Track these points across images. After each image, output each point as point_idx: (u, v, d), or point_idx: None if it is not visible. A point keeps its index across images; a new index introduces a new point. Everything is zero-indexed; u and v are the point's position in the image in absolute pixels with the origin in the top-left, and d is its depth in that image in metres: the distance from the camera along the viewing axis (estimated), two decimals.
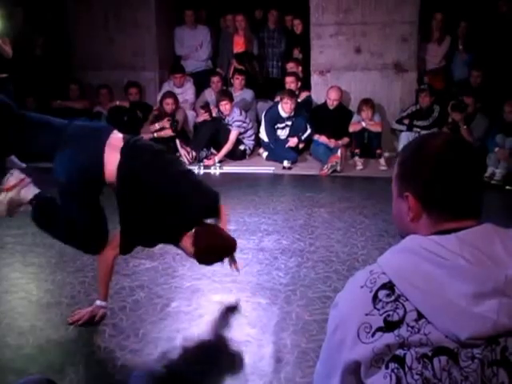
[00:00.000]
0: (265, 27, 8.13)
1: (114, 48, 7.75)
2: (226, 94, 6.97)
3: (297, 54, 7.80)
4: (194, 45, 8.01)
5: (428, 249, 1.04)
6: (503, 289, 0.98)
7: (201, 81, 7.87)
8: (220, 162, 6.68)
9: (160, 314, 3.02)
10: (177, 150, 6.76)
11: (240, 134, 6.93)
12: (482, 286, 0.98)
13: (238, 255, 3.76)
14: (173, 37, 8.07)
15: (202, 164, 6.53)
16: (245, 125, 6.94)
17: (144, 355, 2.64)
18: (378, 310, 1.04)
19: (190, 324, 2.93)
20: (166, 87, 7.63)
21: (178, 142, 6.79)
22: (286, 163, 6.54)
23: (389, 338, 1.01)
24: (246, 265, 3.62)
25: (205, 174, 6.37)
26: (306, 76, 7.44)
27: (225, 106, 6.81)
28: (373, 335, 1.03)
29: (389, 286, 1.05)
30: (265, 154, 6.96)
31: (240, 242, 4.00)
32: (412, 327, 1.00)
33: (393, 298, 1.04)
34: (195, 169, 6.38)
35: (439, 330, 0.99)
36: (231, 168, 6.58)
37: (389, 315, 1.03)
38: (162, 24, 7.88)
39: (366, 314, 1.05)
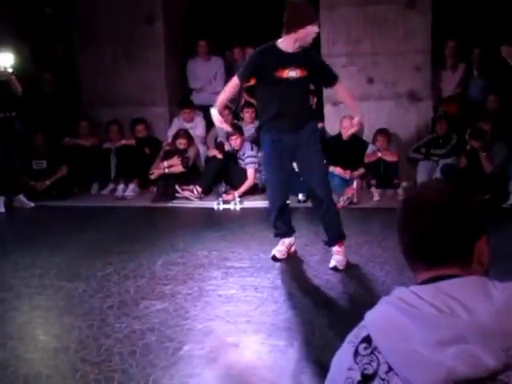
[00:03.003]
0: None
1: (123, 84, 7.83)
2: (236, 128, 6.97)
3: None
4: (208, 77, 8.05)
5: (404, 299, 1.06)
6: (465, 336, 0.96)
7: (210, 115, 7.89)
8: (240, 197, 6.63)
9: (171, 358, 2.93)
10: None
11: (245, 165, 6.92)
12: (444, 333, 0.98)
13: (252, 293, 3.71)
14: (183, 71, 8.14)
15: (221, 199, 6.48)
16: (256, 159, 6.92)
17: None
18: (357, 363, 1.08)
19: (203, 369, 2.83)
20: (176, 122, 7.67)
21: (177, 186, 6.76)
22: (300, 196, 6.47)
23: None
24: (260, 304, 3.53)
25: (224, 209, 6.31)
26: (319, 107, 7.44)
27: (235, 140, 6.81)
28: None
29: (367, 339, 1.08)
30: None
31: (254, 280, 3.96)
32: (383, 379, 1.04)
33: (369, 350, 1.07)
34: (214, 204, 6.35)
35: (401, 380, 1.00)
36: (251, 203, 6.51)
37: (365, 368, 1.07)
38: (171, 59, 7.98)
39: (349, 369, 1.09)
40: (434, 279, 1.09)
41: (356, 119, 4.30)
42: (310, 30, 3.95)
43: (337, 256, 4.21)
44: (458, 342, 0.97)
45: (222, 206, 6.36)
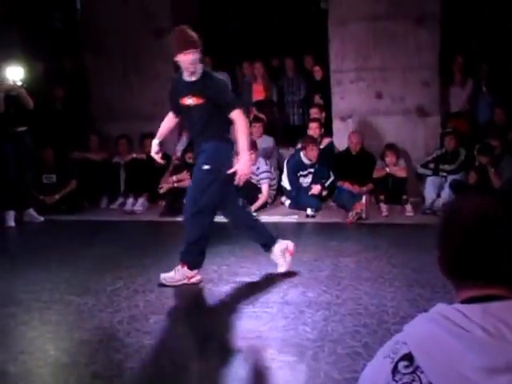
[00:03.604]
0: (283, 75, 8.26)
1: (133, 98, 7.91)
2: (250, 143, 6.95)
3: (317, 100, 7.87)
4: None
5: (449, 318, 1.04)
6: None
7: None
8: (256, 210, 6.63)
9: (182, 373, 2.94)
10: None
11: (257, 181, 6.94)
12: (495, 361, 0.96)
13: (262, 309, 3.71)
14: None
15: None
16: (270, 175, 6.95)
17: None
18: (396, 381, 1.05)
19: None
20: (185, 137, 7.72)
21: (185, 201, 6.77)
22: (309, 211, 6.49)
23: None
24: (270, 320, 3.54)
25: None
26: (327, 122, 7.49)
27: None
28: None
29: (408, 357, 1.05)
30: (287, 202, 6.94)
31: (264, 296, 3.96)
32: None
33: (411, 369, 1.04)
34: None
35: None
36: (266, 218, 6.49)
37: None
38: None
39: None
40: (480, 298, 1.07)
41: (241, 162, 4.12)
42: (185, 58, 4.00)
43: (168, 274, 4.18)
44: (509, 370, 0.95)
45: None
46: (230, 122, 4.19)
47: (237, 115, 4.10)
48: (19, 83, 6.10)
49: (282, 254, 4.39)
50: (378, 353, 1.13)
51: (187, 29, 4.14)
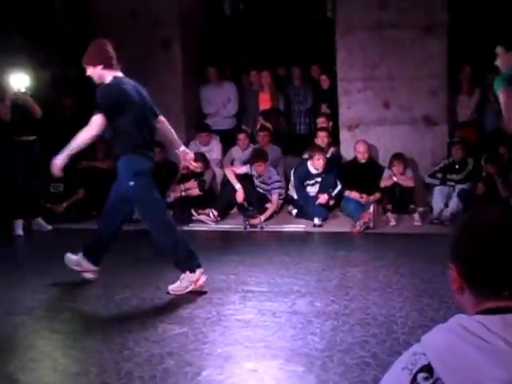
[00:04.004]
0: (290, 84, 8.31)
1: None
2: (261, 155, 6.96)
3: (324, 109, 7.91)
4: (222, 101, 8.20)
5: (469, 329, 1.04)
6: None
7: (227, 138, 8.01)
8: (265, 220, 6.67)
9: (191, 383, 2.96)
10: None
11: (267, 191, 6.98)
12: None
13: (270, 318, 3.74)
14: (199, 96, 8.29)
15: (247, 223, 6.53)
16: (281, 184, 6.98)
17: None
18: None
19: None
20: (193, 146, 7.77)
21: (192, 210, 6.83)
22: (316, 221, 6.51)
23: None
24: (278, 329, 3.56)
25: (251, 233, 6.39)
26: (334, 131, 7.52)
27: (260, 167, 6.86)
28: None
29: (427, 369, 1.05)
30: (294, 211, 6.96)
31: (272, 305, 3.99)
32: None
33: (431, 381, 1.03)
34: (241, 228, 6.42)
35: None
36: (276, 227, 6.55)
37: None
38: (187, 84, 8.12)
39: None
40: (500, 310, 1.07)
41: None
42: (92, 71, 4.29)
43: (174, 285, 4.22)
44: None
45: (248, 230, 6.42)
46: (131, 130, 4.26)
47: (92, 120, 4.30)
48: (23, 90, 6.12)
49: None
50: (395, 364, 1.13)
51: (103, 43, 4.38)
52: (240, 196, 6.78)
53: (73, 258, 4.48)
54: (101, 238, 4.46)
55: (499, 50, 4.41)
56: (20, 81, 6.08)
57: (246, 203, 6.78)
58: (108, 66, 4.23)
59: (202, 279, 4.25)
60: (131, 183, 4.13)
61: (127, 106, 4.14)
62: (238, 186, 6.81)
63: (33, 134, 6.36)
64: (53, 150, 7.09)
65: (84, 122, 7.89)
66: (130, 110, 4.14)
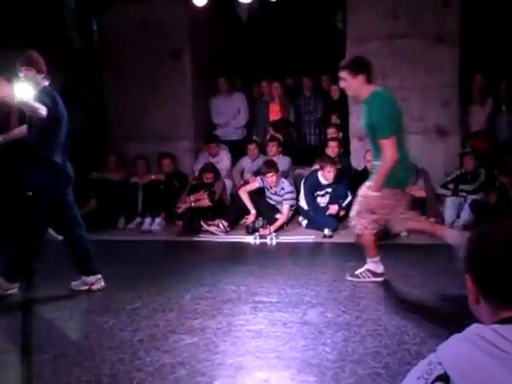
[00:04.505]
0: (300, 94, 8.38)
1: (150, 119, 8.08)
2: (271, 165, 7.03)
3: (335, 119, 7.96)
4: (232, 112, 8.28)
5: (486, 338, 1.05)
6: None
7: (237, 149, 8.08)
8: (275, 231, 6.72)
9: None
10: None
11: (278, 202, 7.02)
12: None
13: (281, 329, 3.77)
14: (208, 106, 8.38)
15: (257, 234, 6.58)
16: (293, 195, 7.02)
17: None
18: None
19: None
20: (202, 157, 7.86)
21: (202, 222, 6.89)
22: (326, 231, 6.54)
23: None
24: (290, 340, 3.59)
25: (261, 243, 6.44)
26: (344, 142, 7.56)
27: (271, 177, 6.91)
28: None
29: (444, 378, 1.05)
30: (304, 222, 7.00)
31: (283, 316, 4.02)
32: None
33: None
34: (251, 239, 6.48)
35: None
36: (286, 238, 6.60)
37: None
38: (197, 95, 8.22)
39: None
40: None
41: None
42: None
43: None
44: None
45: (258, 241, 6.46)
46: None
47: None
48: (26, 101, 6.18)
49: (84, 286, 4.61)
50: (410, 373, 1.14)
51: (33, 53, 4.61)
52: (251, 219, 6.83)
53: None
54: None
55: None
56: (23, 91, 6.16)
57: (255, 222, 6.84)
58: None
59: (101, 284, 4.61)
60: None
61: None
62: (253, 211, 6.88)
63: None
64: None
65: (93, 133, 8.05)
66: None
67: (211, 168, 7.22)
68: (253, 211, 6.86)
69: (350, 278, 4.77)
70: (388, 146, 4.27)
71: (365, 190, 4.53)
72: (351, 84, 4.46)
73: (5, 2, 7.37)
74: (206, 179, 7.09)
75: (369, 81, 4.46)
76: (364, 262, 4.82)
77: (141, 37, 7.99)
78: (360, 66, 4.45)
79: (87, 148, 7.74)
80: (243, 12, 9.62)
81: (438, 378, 1.05)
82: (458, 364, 1.04)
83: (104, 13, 8.24)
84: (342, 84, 4.56)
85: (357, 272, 4.79)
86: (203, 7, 7.23)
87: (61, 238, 6.65)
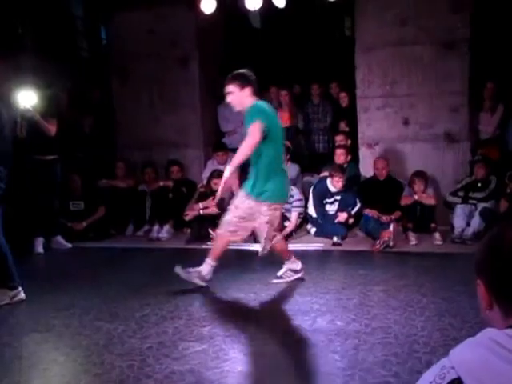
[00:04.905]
0: (309, 101, 8.41)
1: (158, 126, 8.14)
2: None
3: (343, 127, 7.99)
4: (239, 119, 8.30)
5: (500, 343, 1.06)
6: None
7: None
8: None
9: None
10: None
11: (287, 210, 7.03)
12: None
13: (290, 337, 3.78)
14: (217, 114, 8.42)
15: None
16: (302, 203, 7.04)
17: None
18: None
19: None
20: (210, 165, 7.90)
21: (210, 230, 6.91)
22: (335, 239, 6.56)
23: None
24: (299, 347, 3.60)
25: (269, 251, 6.41)
26: (353, 149, 7.59)
27: None
28: None
29: (457, 383, 1.06)
30: (313, 229, 7.02)
31: (292, 323, 4.03)
32: None
33: None
34: (258, 247, 6.47)
35: None
36: (294, 246, 6.59)
37: None
38: (206, 102, 8.27)
39: None
40: None
41: None
42: None
43: None
44: None
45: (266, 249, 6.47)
46: None
47: None
48: (28, 108, 6.25)
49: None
50: (422, 377, 1.15)
51: None
52: None
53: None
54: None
55: None
56: (26, 98, 6.24)
57: None
58: None
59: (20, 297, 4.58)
60: None
61: None
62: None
63: (53, 154, 6.51)
64: (71, 169, 7.32)
65: (103, 139, 8.12)
66: None
67: (219, 175, 7.25)
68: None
69: (275, 281, 4.97)
70: (252, 129, 4.35)
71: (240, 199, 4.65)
72: (237, 96, 4.57)
73: (16, 11, 7.47)
74: (214, 185, 7.12)
75: (253, 93, 4.61)
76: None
77: (149, 44, 8.06)
78: (246, 80, 4.59)
79: (96, 154, 7.82)
80: (252, 19, 9.70)
81: (451, 383, 1.07)
82: (472, 368, 1.05)
83: (112, 21, 8.33)
84: (229, 98, 4.62)
85: (279, 274, 5.03)
86: (211, 14, 7.29)
87: (70, 245, 6.74)
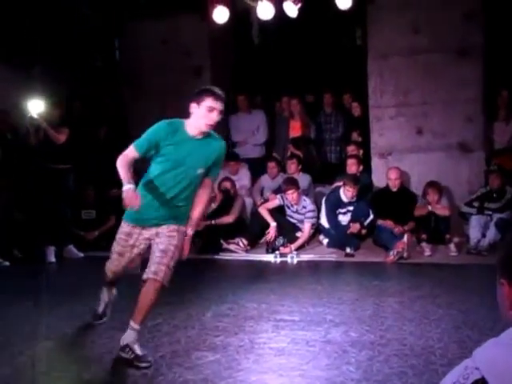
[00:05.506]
0: (321, 111, 8.43)
1: None
2: (292, 182, 7.06)
3: (356, 137, 7.99)
4: (251, 129, 8.35)
5: None
6: None
7: (256, 167, 8.13)
8: (296, 250, 6.75)
9: None
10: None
11: (299, 221, 7.04)
12: None
13: (304, 347, 3.77)
14: (228, 124, 8.46)
15: (278, 252, 6.61)
16: (315, 214, 7.03)
17: None
18: None
19: None
20: (221, 175, 7.91)
21: (222, 240, 6.94)
22: (348, 250, 6.54)
23: None
24: (313, 358, 3.59)
25: (282, 262, 6.49)
26: (365, 159, 7.58)
27: (292, 194, 6.92)
28: None
29: (481, 383, 1.06)
30: (325, 240, 7.00)
31: (305, 334, 4.02)
32: None
33: None
34: (271, 257, 6.51)
35: None
36: (307, 256, 6.62)
37: None
38: None
39: None
40: None
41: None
42: None
43: None
44: None
45: (279, 259, 6.49)
46: None
47: None
48: (35, 116, 6.31)
49: None
50: (445, 379, 1.15)
51: None
52: (272, 234, 6.85)
53: None
54: None
55: None
56: (34, 106, 6.32)
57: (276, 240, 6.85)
58: None
59: None
60: None
61: None
62: (273, 224, 6.90)
63: (66, 163, 6.57)
64: (84, 178, 7.37)
65: (116, 149, 8.15)
66: None
67: (228, 179, 7.32)
68: (273, 224, 6.86)
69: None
70: None
71: None
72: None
73: (30, 22, 7.57)
74: (224, 186, 7.17)
75: None
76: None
77: (162, 54, 8.13)
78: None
79: (108, 164, 7.85)
80: (263, 29, 9.75)
81: (475, 383, 1.07)
82: (497, 369, 1.05)
83: (125, 32, 8.41)
84: (219, 118, 3.73)
85: None
86: (223, 24, 7.35)
87: (82, 255, 6.78)
